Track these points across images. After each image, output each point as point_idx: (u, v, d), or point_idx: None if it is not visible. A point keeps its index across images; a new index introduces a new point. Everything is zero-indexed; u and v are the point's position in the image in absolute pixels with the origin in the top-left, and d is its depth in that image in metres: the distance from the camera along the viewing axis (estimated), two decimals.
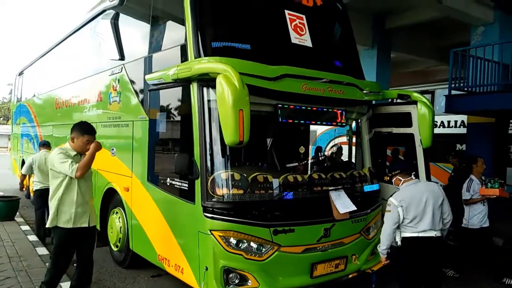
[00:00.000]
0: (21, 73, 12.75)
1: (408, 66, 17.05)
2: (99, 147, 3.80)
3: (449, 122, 13.58)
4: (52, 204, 3.79)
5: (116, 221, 5.55)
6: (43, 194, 6.01)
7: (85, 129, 3.92)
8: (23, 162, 11.49)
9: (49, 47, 9.73)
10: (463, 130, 12.25)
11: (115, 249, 5.62)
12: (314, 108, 4.34)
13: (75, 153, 3.86)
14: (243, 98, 3.35)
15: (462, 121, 13.01)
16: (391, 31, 12.28)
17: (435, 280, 3.95)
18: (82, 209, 3.85)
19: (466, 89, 8.57)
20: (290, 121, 4.22)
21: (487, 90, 8.57)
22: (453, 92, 8.57)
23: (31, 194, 10.45)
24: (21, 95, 12.53)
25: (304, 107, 4.26)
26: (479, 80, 8.38)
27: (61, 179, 3.76)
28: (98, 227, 6.10)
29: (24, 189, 11.40)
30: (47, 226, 3.92)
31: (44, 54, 10.13)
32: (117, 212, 5.60)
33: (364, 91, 4.78)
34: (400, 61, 15.95)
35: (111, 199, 5.83)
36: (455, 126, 13.50)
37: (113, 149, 5.73)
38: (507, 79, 8.49)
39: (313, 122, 4.40)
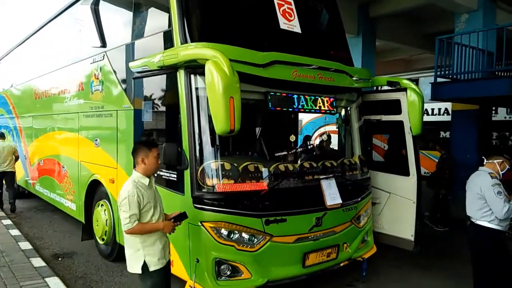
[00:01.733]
0: None
1: (392, 54, 17.12)
2: (171, 231, 3.20)
3: (433, 110, 13.74)
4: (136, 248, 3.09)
5: (101, 214, 5.40)
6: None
7: (149, 143, 3.19)
8: None
9: (27, 35, 9.34)
10: (447, 118, 12.41)
11: (101, 242, 5.48)
12: (305, 96, 4.26)
13: (147, 183, 3.12)
14: (234, 85, 3.23)
15: (446, 109, 13.19)
16: (376, 19, 12.26)
17: None
18: (164, 239, 3.23)
19: (451, 76, 8.61)
20: (281, 109, 4.12)
21: (472, 78, 8.64)
22: (438, 79, 8.61)
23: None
24: None
25: (294, 95, 4.17)
26: (464, 67, 8.43)
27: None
28: (82, 220, 5.98)
29: None
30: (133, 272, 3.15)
31: (22, 43, 9.74)
32: (102, 205, 5.44)
33: (354, 78, 4.72)
34: (385, 49, 16.00)
35: (96, 191, 5.66)
36: (439, 114, 13.69)
37: (96, 140, 5.55)
38: (492, 66, 8.58)
39: (304, 110, 4.31)
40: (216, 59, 3.26)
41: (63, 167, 6.77)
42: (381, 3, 11.56)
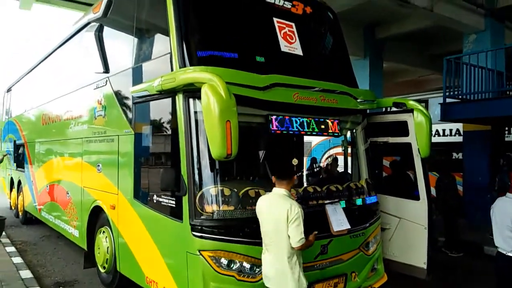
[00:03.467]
0: (9, 90, 12.50)
1: (400, 76, 17.06)
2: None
3: (444, 130, 13.49)
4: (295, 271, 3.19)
5: (103, 241, 5.29)
6: None
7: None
8: (11, 181, 11.24)
9: (35, 62, 9.53)
10: (459, 139, 12.15)
11: (102, 270, 5.35)
12: (307, 118, 4.15)
13: None
14: (230, 109, 3.15)
15: (458, 130, 12.93)
16: (383, 41, 12.28)
17: None
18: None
19: (460, 96, 8.46)
20: (282, 132, 4.01)
21: (482, 98, 8.48)
22: (448, 100, 8.46)
23: (20, 213, 10.22)
24: (9, 112, 12.28)
25: (296, 117, 4.07)
26: (474, 87, 8.29)
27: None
28: (85, 247, 5.87)
29: (12, 207, 11.23)
30: None
31: (31, 70, 9.93)
32: (104, 232, 5.33)
33: (358, 100, 4.61)
34: (392, 71, 15.95)
35: (98, 218, 5.57)
36: (451, 135, 13.42)
37: (98, 165, 5.49)
38: (501, 86, 8.41)
39: (306, 133, 4.20)
40: (212, 82, 3.19)
41: (67, 193, 6.72)
42: (388, 25, 11.59)
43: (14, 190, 10.88)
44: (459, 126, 12.11)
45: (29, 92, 10.06)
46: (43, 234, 8.61)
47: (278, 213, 3.20)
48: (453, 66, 8.22)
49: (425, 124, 4.63)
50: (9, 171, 11.43)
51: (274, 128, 3.94)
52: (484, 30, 9.54)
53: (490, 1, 9.45)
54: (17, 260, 6.29)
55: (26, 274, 5.54)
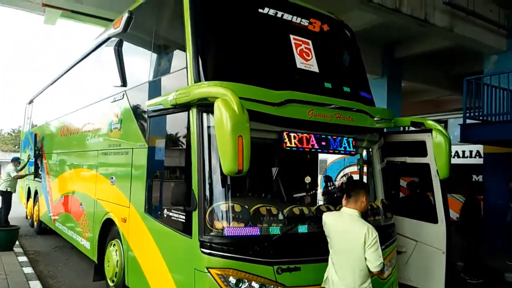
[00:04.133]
0: (31, 102, 12.84)
1: (419, 96, 16.85)
2: None
3: (464, 152, 13.16)
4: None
5: (113, 254, 5.26)
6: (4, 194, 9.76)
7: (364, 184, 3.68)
8: (29, 190, 11.41)
9: (57, 75, 9.77)
10: (479, 161, 11.84)
11: (111, 284, 5.30)
12: (322, 136, 4.08)
13: None
14: (243, 124, 3.11)
15: (478, 151, 12.60)
16: (401, 60, 12.18)
17: None
18: None
19: (481, 118, 8.26)
20: (296, 149, 3.95)
21: (503, 119, 8.26)
22: (468, 121, 8.27)
23: (35, 223, 10.33)
24: (30, 123, 12.57)
25: (310, 135, 4.01)
26: (495, 109, 8.09)
27: None
28: (95, 260, 5.85)
29: (28, 217, 11.38)
30: None
31: (52, 83, 10.18)
32: (114, 245, 5.31)
33: (375, 118, 4.52)
34: (411, 91, 15.77)
35: (109, 231, 5.55)
36: (471, 156, 13.08)
37: (112, 178, 5.51)
38: None
39: (320, 150, 4.12)
40: (225, 97, 3.17)
41: (81, 204, 6.75)
42: (407, 44, 11.51)
43: (31, 200, 11.03)
44: (479, 148, 11.82)
45: (49, 104, 10.29)
46: (57, 244, 8.65)
47: (353, 236, 3.21)
48: (474, 86, 8.06)
49: (444, 145, 4.50)
50: (27, 181, 11.62)
51: (288, 144, 3.88)
52: (505, 51, 9.36)
53: None
54: (28, 270, 6.31)
55: (35, 285, 5.55)
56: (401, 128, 5.60)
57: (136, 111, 5.01)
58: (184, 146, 3.87)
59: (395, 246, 4.60)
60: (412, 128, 5.04)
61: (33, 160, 10.93)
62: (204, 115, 3.64)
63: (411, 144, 4.97)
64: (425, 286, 4.74)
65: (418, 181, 5.72)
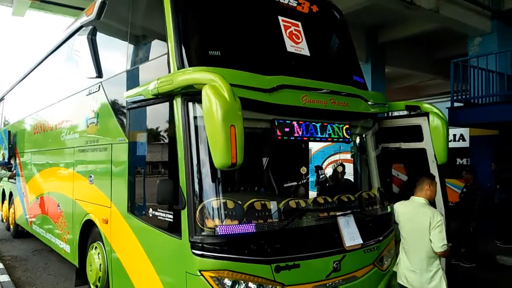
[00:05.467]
0: (1, 99, 12.17)
1: (400, 82, 16.83)
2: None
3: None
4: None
5: (95, 258, 4.91)
6: None
7: (430, 174, 3.82)
8: (3, 192, 10.84)
9: (27, 70, 9.21)
10: (463, 144, 11.88)
11: None
12: (316, 123, 3.83)
13: None
14: (235, 112, 2.82)
15: (462, 135, 12.65)
16: (385, 45, 12.04)
17: None
18: None
19: (467, 101, 8.19)
20: (290, 138, 3.68)
21: (490, 102, 8.22)
22: (455, 104, 8.19)
23: (11, 226, 9.81)
24: (2, 120, 11.94)
25: (305, 122, 3.74)
26: (481, 91, 8.02)
27: None
28: (76, 264, 5.50)
29: (4, 220, 10.83)
30: None
31: (23, 78, 9.60)
32: (96, 247, 4.96)
33: (369, 103, 4.29)
34: (394, 76, 15.74)
35: (90, 232, 5.20)
36: (455, 140, 13.14)
37: (91, 176, 5.14)
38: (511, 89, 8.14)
39: (315, 139, 3.87)
40: (214, 83, 2.87)
41: (59, 206, 6.35)
42: (390, 28, 11.36)
43: (6, 202, 10.49)
44: (463, 131, 11.86)
45: (21, 101, 9.73)
46: (35, 248, 8.21)
47: (420, 222, 3.44)
48: (461, 69, 7.95)
49: (442, 128, 4.31)
50: (1, 182, 11.04)
51: (281, 133, 3.62)
52: (490, 32, 9.30)
53: (497, 3, 9.23)
54: (4, 278, 5.90)
55: None
56: (386, 114, 5.37)
57: (114, 103, 4.64)
58: (169, 140, 3.56)
59: (393, 235, 4.42)
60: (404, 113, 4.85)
61: (7, 160, 10.36)
62: (190, 104, 3.33)
63: (406, 129, 4.77)
64: None
65: (413, 167, 5.52)
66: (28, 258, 7.58)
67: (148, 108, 3.89)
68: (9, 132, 10.33)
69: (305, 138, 3.81)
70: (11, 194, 9.94)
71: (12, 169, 10.15)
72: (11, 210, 9.85)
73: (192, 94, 3.24)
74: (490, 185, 8.73)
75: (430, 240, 3.36)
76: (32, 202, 7.96)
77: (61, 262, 6.85)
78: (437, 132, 4.34)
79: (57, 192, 6.58)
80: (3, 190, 10.82)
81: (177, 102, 3.38)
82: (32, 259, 7.47)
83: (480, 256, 7.22)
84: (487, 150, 9.04)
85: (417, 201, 3.59)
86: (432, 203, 4.51)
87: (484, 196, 8.82)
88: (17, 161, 9.38)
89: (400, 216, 3.68)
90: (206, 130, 2.90)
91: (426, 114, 4.48)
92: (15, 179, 9.47)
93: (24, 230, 8.91)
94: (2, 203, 10.98)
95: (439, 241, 3.33)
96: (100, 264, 4.80)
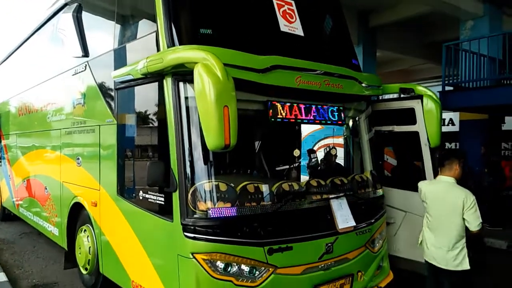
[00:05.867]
0: None
1: (391, 66, 16.77)
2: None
3: None
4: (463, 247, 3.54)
5: (84, 241, 4.85)
6: None
7: (458, 153, 3.87)
8: None
9: (10, 50, 8.91)
10: (452, 128, 11.98)
11: (84, 272, 4.91)
12: (310, 105, 3.76)
13: None
14: (228, 92, 2.74)
15: (451, 119, 12.75)
16: (376, 29, 11.94)
17: None
18: None
19: (458, 85, 8.20)
20: (283, 120, 3.61)
21: (480, 86, 8.23)
22: (446, 88, 8.19)
23: None
24: None
25: (298, 104, 3.68)
26: (472, 75, 8.03)
27: None
28: (65, 247, 5.43)
29: None
30: None
31: (6, 58, 9.30)
32: (85, 230, 4.89)
33: (363, 85, 4.23)
34: (385, 60, 15.66)
35: (78, 215, 5.11)
36: (444, 124, 13.25)
37: (78, 158, 5.03)
38: (501, 73, 8.16)
39: (309, 121, 3.81)
40: (206, 62, 2.77)
41: (46, 188, 6.23)
42: (382, 12, 11.24)
43: None
44: (453, 115, 11.92)
45: (5, 82, 9.44)
46: (23, 231, 8.08)
47: (451, 201, 3.47)
48: (453, 52, 7.92)
49: (436, 111, 4.29)
50: None
51: (274, 115, 3.54)
52: (482, 16, 9.25)
53: None
54: None
55: (0, 277, 5.05)
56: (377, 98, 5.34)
57: (101, 83, 4.50)
58: (160, 121, 3.47)
59: (384, 218, 4.44)
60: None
61: None
62: (181, 84, 3.23)
63: (399, 111, 4.74)
64: (415, 257, 4.61)
65: (404, 151, 5.52)
66: (16, 241, 7.47)
67: (137, 88, 3.78)
68: None
69: (298, 120, 3.75)
70: None
71: None
72: (3, 194, 9.66)
73: (183, 73, 3.14)
74: (479, 169, 8.84)
75: (464, 220, 3.42)
76: (18, 185, 7.81)
77: (49, 245, 6.76)
78: (430, 115, 4.32)
79: (44, 174, 6.45)
80: None
81: (168, 82, 3.27)
82: (20, 242, 7.36)
83: (468, 239, 7.32)
84: (476, 134, 9.11)
85: (447, 180, 3.60)
86: None
87: (473, 180, 8.95)
88: (2, 143, 9.16)
89: (428, 195, 3.69)
90: (198, 110, 2.81)
91: (420, 97, 4.45)
92: (0, 162, 9.26)
93: (11, 213, 8.76)
94: None
95: (475, 221, 3.39)
96: (90, 247, 4.74)
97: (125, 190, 4.01)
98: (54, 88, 5.99)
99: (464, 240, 3.52)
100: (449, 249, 3.49)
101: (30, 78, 7.21)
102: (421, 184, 3.85)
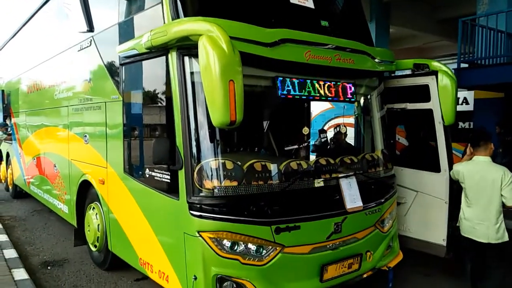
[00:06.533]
0: None
1: (404, 43, 16.34)
2: None
3: None
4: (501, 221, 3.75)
5: (93, 218, 4.86)
6: None
7: (487, 132, 4.00)
8: (0, 153, 10.73)
9: (18, 26, 8.82)
10: (466, 108, 11.68)
11: (93, 249, 4.95)
12: (320, 81, 3.63)
13: None
14: (234, 66, 2.62)
15: (465, 98, 12.43)
16: (390, 4, 11.57)
17: None
18: None
19: (476, 61, 7.91)
20: (292, 97, 3.50)
21: (496, 63, 7.94)
22: (462, 65, 7.92)
23: (10, 187, 9.77)
24: None
25: (308, 80, 3.55)
26: (489, 52, 7.72)
27: None
28: (75, 224, 5.47)
29: (2, 181, 10.79)
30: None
31: (15, 34, 9.23)
32: (94, 208, 4.90)
33: (376, 60, 4.07)
34: (398, 37, 15.25)
35: (87, 193, 5.12)
36: (458, 104, 12.92)
37: (85, 136, 4.99)
38: None
39: (319, 98, 3.69)
40: (211, 34, 2.65)
41: (55, 166, 6.25)
42: None
43: (4, 163, 10.40)
44: (467, 94, 11.62)
45: (14, 59, 9.41)
46: (34, 208, 8.19)
47: (490, 178, 3.65)
48: (469, 28, 7.61)
49: (451, 88, 4.12)
50: None
51: (282, 92, 3.43)
52: None
53: None
54: (2, 238, 5.87)
55: (10, 253, 5.11)
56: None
57: (107, 59, 4.41)
58: (165, 97, 3.39)
59: (395, 198, 4.35)
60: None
61: (3, 120, 10.19)
62: (186, 58, 3.13)
63: (413, 88, 4.57)
64: (425, 237, 4.55)
65: (417, 130, 5.37)
66: (27, 218, 7.58)
67: (142, 63, 3.68)
68: (3, 91, 10.09)
69: (308, 97, 3.63)
70: (8, 155, 9.83)
71: (8, 130, 10.01)
72: (9, 171, 9.78)
73: (188, 47, 3.04)
74: (493, 149, 8.64)
75: (502, 195, 3.59)
76: (28, 163, 7.87)
77: (60, 222, 6.83)
78: (445, 92, 4.16)
79: (52, 152, 6.47)
80: (0, 151, 10.71)
81: (172, 56, 3.17)
82: (31, 219, 7.46)
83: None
84: (491, 113, 8.85)
85: (484, 160, 3.78)
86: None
87: None
88: (12, 121, 9.20)
89: (466, 175, 3.84)
90: (203, 85, 2.71)
91: (434, 73, 4.28)
92: (11, 140, 9.33)
93: (23, 190, 8.87)
94: (0, 163, 10.90)
95: None
96: (98, 225, 4.76)
97: (131, 168, 3.97)
98: (60, 65, 5.92)
99: (502, 214, 3.71)
100: (491, 223, 3.64)
101: (37, 55, 7.15)
102: (458, 166, 3.99)
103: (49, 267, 5.05)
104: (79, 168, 5.25)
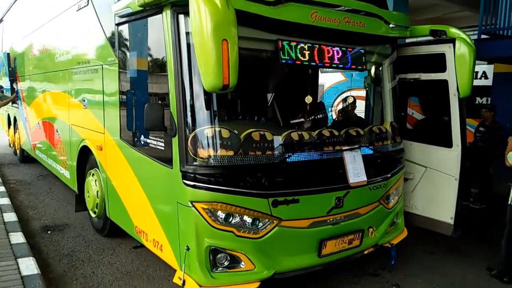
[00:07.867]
0: (1, 20, 11.61)
1: (425, 13, 15.54)
2: None
3: None
4: None
5: (92, 185, 4.79)
6: None
7: None
8: (8, 117, 10.74)
9: None
10: (484, 82, 11.21)
11: (93, 215, 4.92)
12: (327, 46, 3.37)
13: None
14: (228, 23, 2.39)
15: (484, 72, 11.91)
16: None
17: None
18: None
19: (498, 32, 7.44)
20: (295, 62, 3.25)
21: None
22: (483, 36, 7.45)
23: (17, 151, 9.82)
24: (2, 43, 11.49)
25: (313, 44, 3.29)
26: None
27: None
28: (76, 190, 5.42)
29: (11, 145, 10.86)
30: None
31: None
32: (93, 174, 4.82)
33: (390, 25, 3.77)
34: (417, 6, 14.51)
35: (87, 159, 5.03)
36: (476, 78, 12.41)
37: (84, 100, 4.85)
38: None
39: (325, 65, 3.44)
40: None
41: (57, 131, 6.17)
42: None
43: (12, 127, 10.43)
44: (486, 68, 11.12)
45: (18, 22, 9.22)
46: (40, 173, 8.20)
47: None
48: None
49: (469, 57, 3.81)
50: (7, 107, 10.89)
51: (285, 57, 3.19)
52: None
53: None
54: (4, 201, 5.86)
55: (10, 217, 5.10)
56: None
57: (103, 19, 4.19)
58: (159, 59, 3.19)
59: (402, 173, 4.15)
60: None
61: (9, 84, 10.11)
62: (181, 17, 2.91)
63: (428, 57, 4.27)
64: (433, 215, 4.37)
65: (430, 102, 5.07)
66: (33, 182, 7.60)
67: (136, 23, 3.47)
68: (8, 54, 9.95)
69: (313, 64, 3.38)
70: (15, 120, 9.82)
71: (4, 92, 9.96)
72: (16, 135, 9.80)
73: (183, 4, 2.78)
74: (510, 126, 8.28)
75: None
76: (33, 127, 7.83)
77: (65, 188, 6.80)
78: (462, 61, 3.85)
79: (54, 117, 6.37)
80: (8, 115, 10.71)
81: (167, 15, 2.95)
82: (37, 184, 7.48)
83: (492, 198, 6.98)
84: (510, 87, 8.43)
85: None
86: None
87: (502, 136, 8.40)
88: (18, 86, 9.11)
89: None
90: (195, 45, 2.50)
91: (452, 40, 3.96)
92: (18, 104, 9.28)
93: (30, 155, 8.89)
94: (9, 128, 10.95)
95: None
96: (98, 191, 4.68)
97: (127, 134, 3.82)
98: (60, 27, 5.73)
99: None
100: None
101: (38, 17, 6.93)
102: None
103: (49, 232, 5.05)
104: (79, 134, 5.15)
